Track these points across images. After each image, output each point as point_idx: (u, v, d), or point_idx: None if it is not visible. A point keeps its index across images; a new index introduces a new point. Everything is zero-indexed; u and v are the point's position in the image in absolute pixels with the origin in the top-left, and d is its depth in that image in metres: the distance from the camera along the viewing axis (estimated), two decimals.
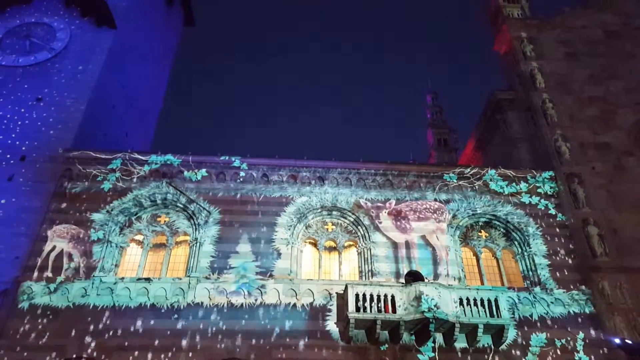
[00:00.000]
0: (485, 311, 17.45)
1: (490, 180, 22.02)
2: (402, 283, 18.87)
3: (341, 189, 21.49)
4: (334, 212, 21.13)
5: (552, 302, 18.79)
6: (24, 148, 21.51)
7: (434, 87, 63.12)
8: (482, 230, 21.30)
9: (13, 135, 21.97)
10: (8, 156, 21.22)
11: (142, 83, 31.35)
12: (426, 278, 19.16)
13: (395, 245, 20.09)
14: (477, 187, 21.85)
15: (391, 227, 20.54)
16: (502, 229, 21.20)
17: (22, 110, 22.90)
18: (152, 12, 32.80)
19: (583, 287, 19.27)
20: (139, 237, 20.09)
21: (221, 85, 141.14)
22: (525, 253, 20.36)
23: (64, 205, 19.91)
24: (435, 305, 16.95)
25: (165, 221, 20.44)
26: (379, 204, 21.13)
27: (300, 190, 21.30)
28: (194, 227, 20.06)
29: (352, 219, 20.94)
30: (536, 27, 27.64)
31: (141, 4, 30.59)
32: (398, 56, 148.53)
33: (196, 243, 19.54)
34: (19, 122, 22.44)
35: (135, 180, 20.83)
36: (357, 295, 17.44)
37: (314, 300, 18.27)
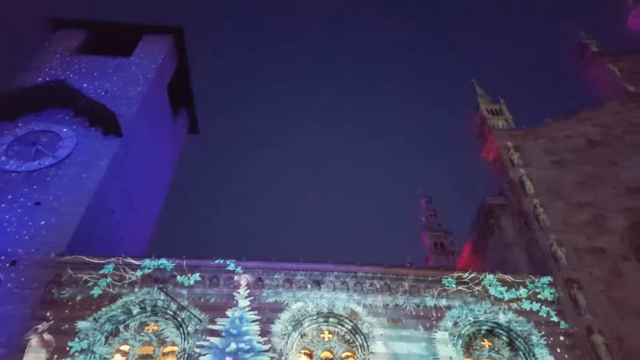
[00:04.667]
0: None
1: (490, 285, 21.60)
2: None
3: (338, 294, 20.94)
4: (331, 319, 20.31)
5: None
6: (16, 252, 21.16)
7: (427, 191, 64.81)
8: (485, 339, 20.34)
9: (7, 240, 21.81)
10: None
11: (143, 188, 32.08)
12: None
13: (399, 356, 19.05)
14: (476, 292, 21.36)
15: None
16: (505, 338, 20.26)
17: (19, 214, 22.98)
18: (158, 121, 34.68)
19: None
20: (125, 348, 18.99)
21: (220, 190, 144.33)
22: None
23: (49, 313, 19.11)
24: None
25: (153, 330, 19.47)
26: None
27: (296, 295, 20.72)
28: (182, 336, 19.06)
29: (349, 327, 20.09)
30: (521, 137, 29.16)
31: (148, 114, 32.46)
32: (393, 159, 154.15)
33: (184, 354, 18.43)
34: (15, 226, 22.39)
35: (126, 285, 20.30)
36: None
37: None
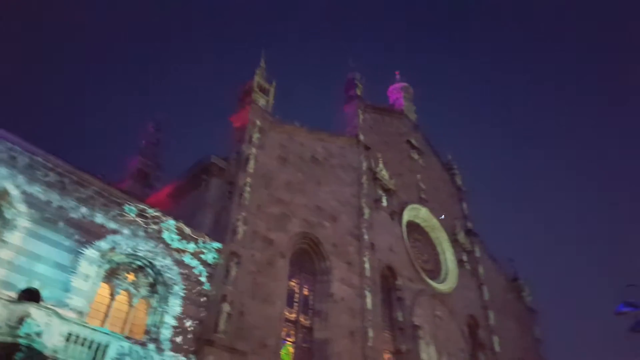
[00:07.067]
0: (91, 354, 16.60)
1: (167, 229, 21.95)
2: (11, 298, 16.00)
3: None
4: None
5: None
6: None
7: (161, 118, 59.41)
8: (131, 273, 20.48)
9: None
10: None
11: None
12: (44, 301, 16.76)
13: (36, 257, 17.40)
14: (150, 230, 21.37)
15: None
16: (151, 279, 20.87)
17: None
18: None
19: (193, 357, 20.02)
20: None
21: None
22: (160, 309, 20.35)
23: None
24: (37, 334, 15.26)
25: None
26: None
27: None
28: None
29: None
30: (270, 122, 31.16)
31: None
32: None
33: None
34: None
35: None
36: None
37: None
